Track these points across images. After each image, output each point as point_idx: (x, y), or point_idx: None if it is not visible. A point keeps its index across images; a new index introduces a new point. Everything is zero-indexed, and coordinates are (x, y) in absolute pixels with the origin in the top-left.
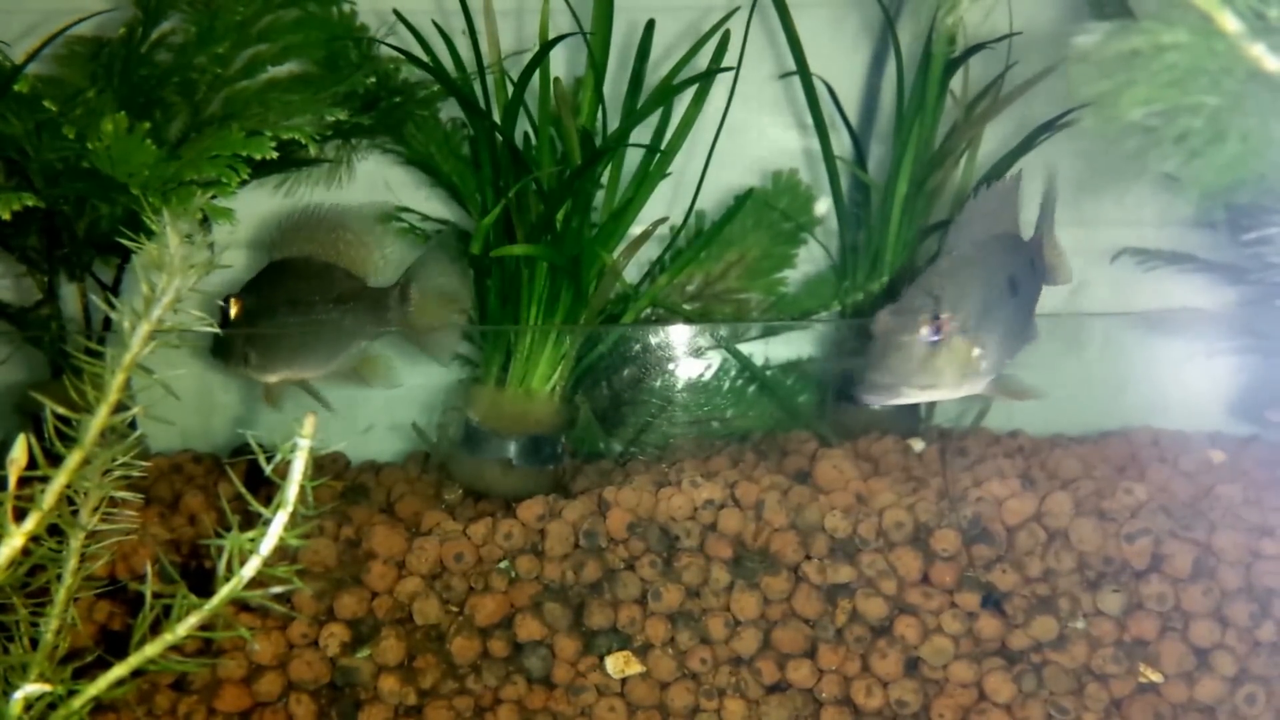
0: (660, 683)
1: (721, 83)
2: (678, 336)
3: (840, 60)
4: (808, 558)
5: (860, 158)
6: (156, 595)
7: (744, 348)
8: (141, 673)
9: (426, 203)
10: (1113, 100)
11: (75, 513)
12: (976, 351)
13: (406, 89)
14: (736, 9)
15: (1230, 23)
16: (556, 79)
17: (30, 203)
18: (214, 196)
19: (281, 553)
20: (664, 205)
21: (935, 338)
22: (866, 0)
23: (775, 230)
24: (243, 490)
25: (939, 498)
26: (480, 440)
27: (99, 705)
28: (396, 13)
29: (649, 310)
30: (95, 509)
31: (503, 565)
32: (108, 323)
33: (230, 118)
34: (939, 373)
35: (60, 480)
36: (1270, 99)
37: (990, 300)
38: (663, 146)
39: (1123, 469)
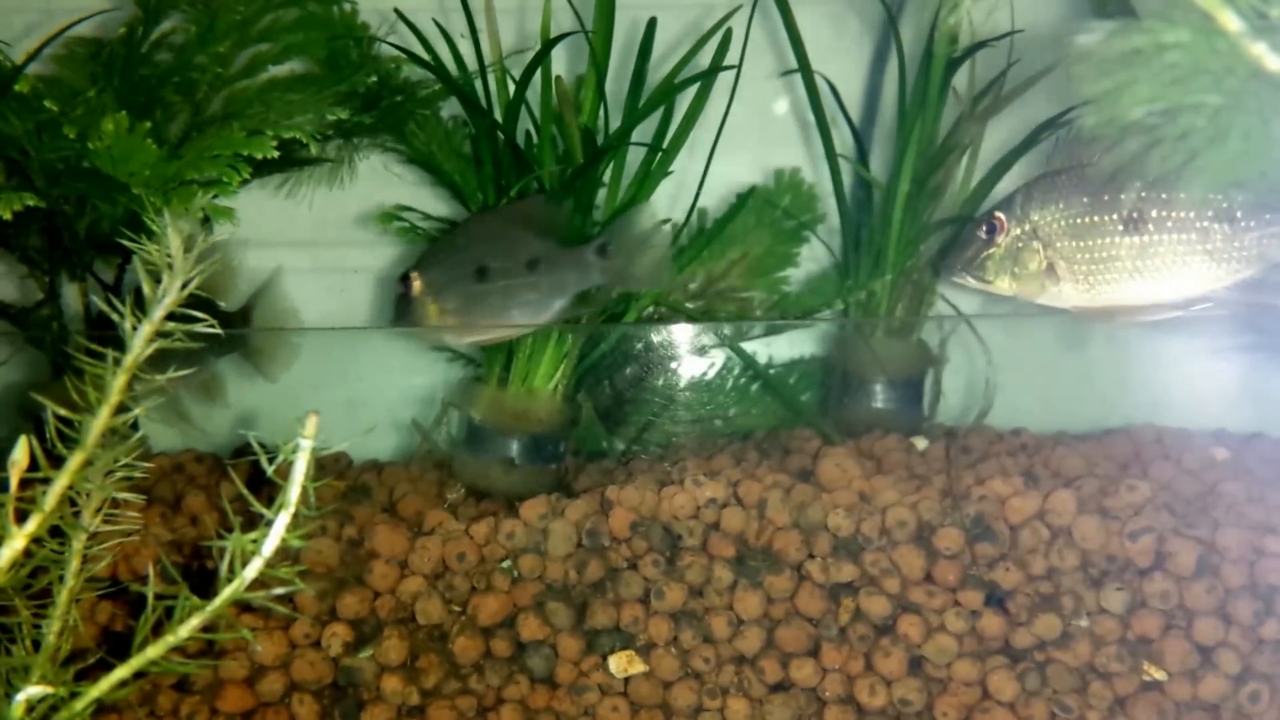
0: (663, 682)
1: (723, 81)
2: (680, 335)
3: (842, 58)
4: (811, 556)
5: (862, 155)
6: (158, 596)
7: (747, 346)
8: (144, 674)
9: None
10: (1114, 99)
11: (77, 514)
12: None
13: (408, 88)
14: (738, 7)
15: (1232, 22)
16: (558, 77)
17: (31, 203)
18: (215, 196)
19: (284, 553)
20: (666, 204)
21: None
22: None
23: (778, 228)
24: (245, 491)
25: (942, 496)
26: (483, 439)
27: (101, 706)
28: (397, 11)
29: (651, 308)
30: (97, 510)
31: (505, 565)
32: (105, 322)
33: (231, 117)
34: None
35: (62, 482)
36: (1272, 98)
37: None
38: (665, 145)
39: (1126, 466)
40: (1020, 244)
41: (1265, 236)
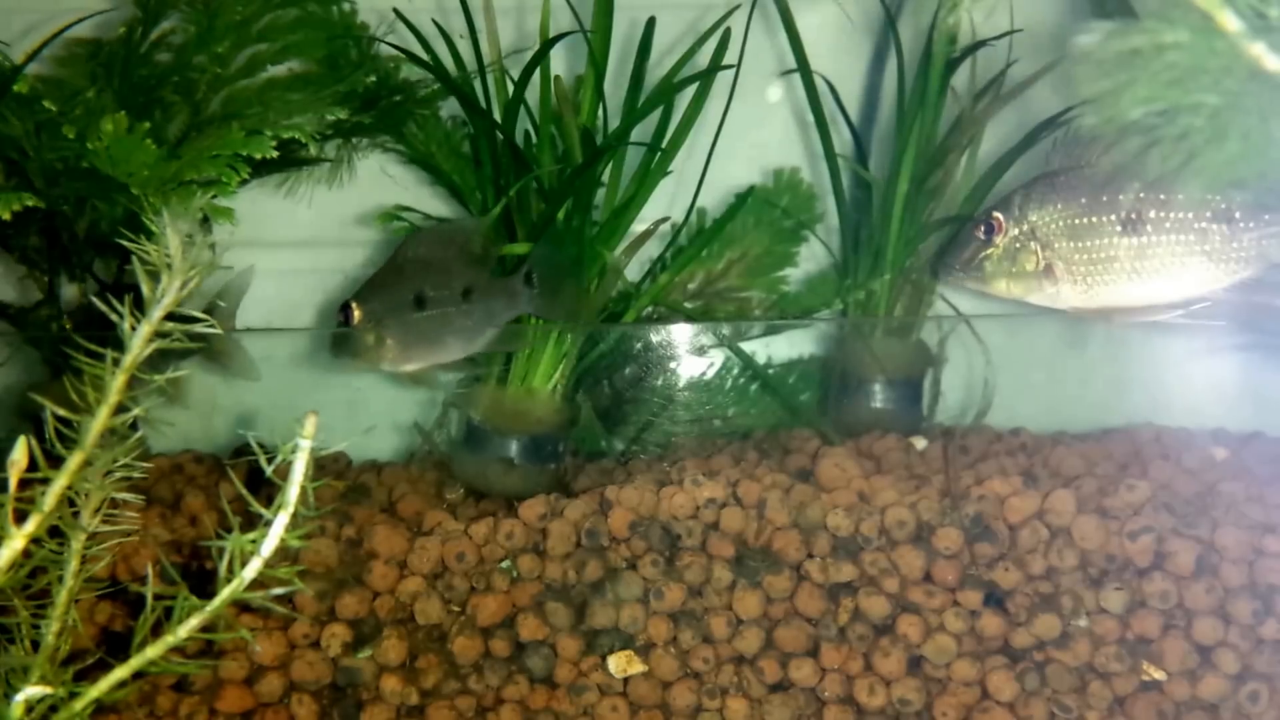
0: (662, 682)
1: (723, 80)
2: (679, 335)
3: (841, 58)
4: (810, 556)
5: (861, 155)
6: (158, 597)
7: (746, 346)
8: (143, 674)
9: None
10: (1114, 99)
11: (76, 514)
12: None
13: (407, 88)
14: (737, 7)
15: (1231, 22)
16: (557, 77)
17: (30, 203)
18: (214, 196)
19: (283, 553)
20: (665, 203)
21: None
22: None
23: (777, 228)
24: (244, 491)
25: (941, 496)
26: (482, 439)
27: (100, 707)
28: (396, 11)
29: (650, 309)
30: (96, 510)
31: (504, 565)
32: (101, 322)
33: (230, 117)
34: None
35: (61, 482)
36: (1270, 98)
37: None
38: (664, 144)
39: (1125, 466)
40: (1018, 245)
41: (1264, 237)
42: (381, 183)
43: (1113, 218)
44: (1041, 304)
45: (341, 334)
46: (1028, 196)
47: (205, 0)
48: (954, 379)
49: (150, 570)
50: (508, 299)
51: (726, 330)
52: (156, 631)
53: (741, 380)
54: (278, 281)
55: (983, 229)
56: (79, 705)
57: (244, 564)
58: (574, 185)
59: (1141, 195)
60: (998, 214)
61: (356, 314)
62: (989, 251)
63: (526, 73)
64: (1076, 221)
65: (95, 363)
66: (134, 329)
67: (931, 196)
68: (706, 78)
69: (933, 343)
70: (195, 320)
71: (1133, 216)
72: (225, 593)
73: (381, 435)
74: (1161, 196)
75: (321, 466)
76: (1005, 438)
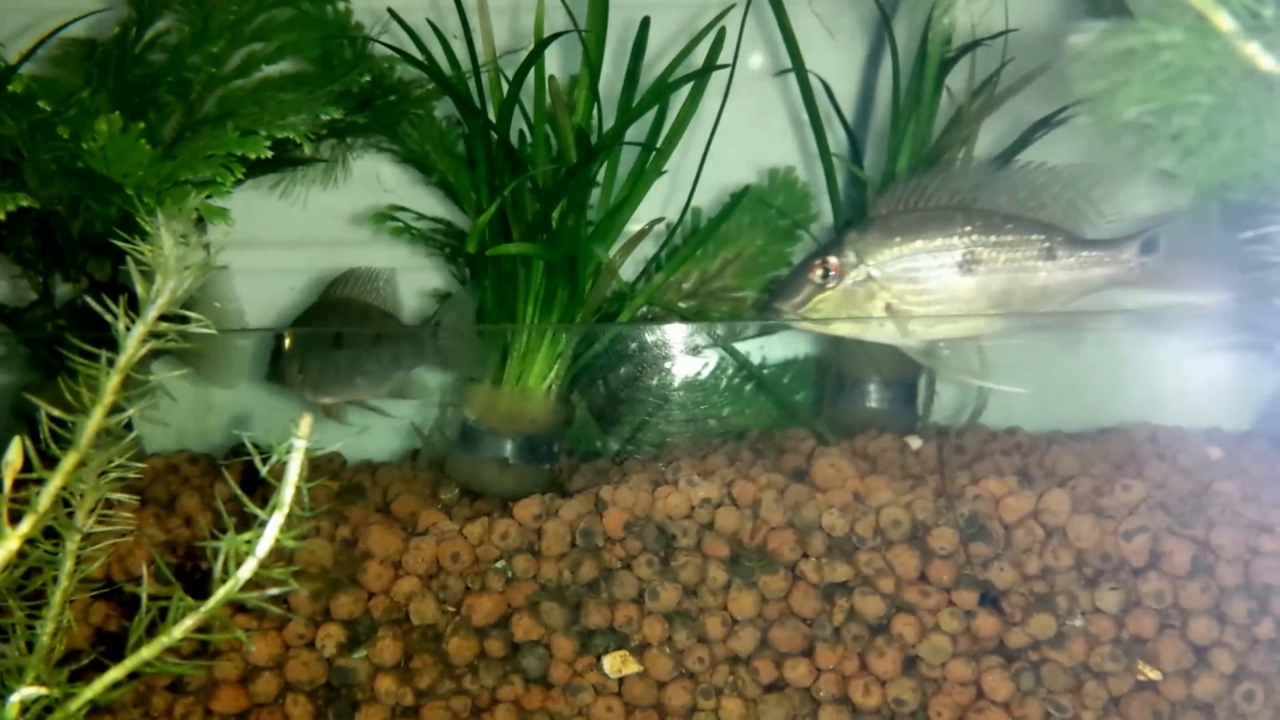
0: (657, 682)
1: (718, 80)
2: (674, 335)
3: (836, 57)
4: (805, 556)
5: (856, 154)
6: (153, 597)
7: (740, 346)
8: (138, 675)
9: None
10: (1108, 98)
11: (71, 515)
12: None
13: (401, 87)
14: (732, 6)
15: (1225, 22)
16: (551, 77)
17: (25, 203)
18: (209, 196)
19: (278, 554)
20: (660, 203)
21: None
22: None
23: (772, 227)
24: (238, 492)
25: (936, 496)
26: (477, 439)
27: (95, 707)
28: (391, 11)
29: (645, 308)
30: (91, 511)
31: (499, 565)
32: (93, 322)
33: (225, 117)
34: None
35: (55, 482)
36: (1265, 98)
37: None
38: (658, 144)
39: (1120, 466)
40: (858, 287)
41: (1081, 267)
42: (372, 183)
43: (949, 259)
44: (879, 340)
45: (274, 358)
46: (864, 239)
47: (200, 0)
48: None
49: (145, 571)
50: (413, 348)
51: (721, 330)
52: (151, 632)
53: (736, 380)
54: (274, 281)
55: (820, 272)
56: (74, 706)
57: (239, 564)
58: (569, 185)
59: (974, 236)
60: (834, 258)
61: (288, 342)
62: (826, 295)
63: (521, 72)
64: (916, 263)
65: (90, 363)
66: (128, 329)
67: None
68: (701, 77)
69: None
70: (188, 320)
71: (967, 257)
72: (220, 593)
73: (376, 436)
74: (992, 238)
75: (316, 467)
76: (1000, 437)
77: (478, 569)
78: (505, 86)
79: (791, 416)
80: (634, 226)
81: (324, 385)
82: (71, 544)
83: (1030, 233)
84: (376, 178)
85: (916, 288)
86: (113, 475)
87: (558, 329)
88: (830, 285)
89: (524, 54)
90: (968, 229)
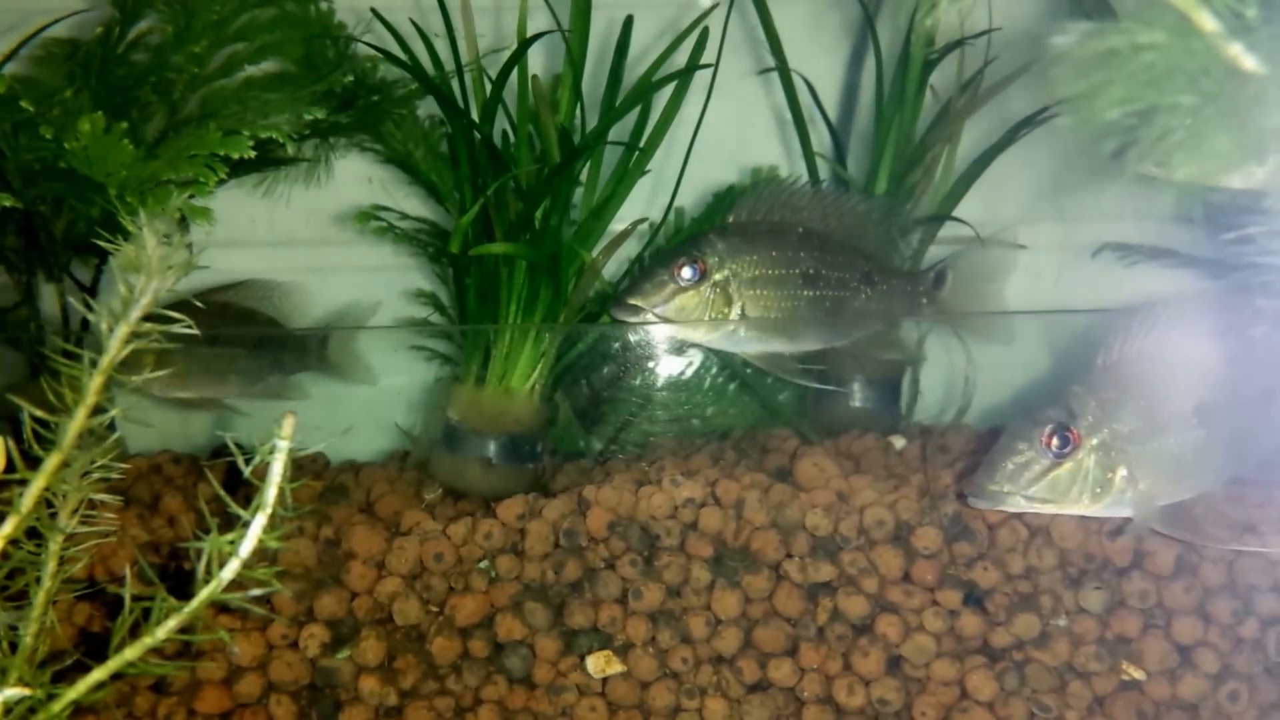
0: (641, 682)
1: (701, 79)
2: (657, 334)
3: (820, 57)
4: (789, 556)
5: (840, 154)
6: (136, 598)
7: None
8: (121, 675)
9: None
10: (1091, 100)
11: (54, 515)
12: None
13: (384, 87)
14: (715, 5)
15: (1208, 22)
16: (535, 76)
17: (8, 203)
18: (191, 196)
19: (261, 554)
20: (643, 202)
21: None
22: None
23: None
24: (221, 492)
25: (920, 495)
26: (460, 439)
27: (79, 708)
28: (374, 11)
29: None
30: (74, 511)
31: (483, 565)
32: (85, 323)
33: (208, 117)
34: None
35: (39, 483)
36: (1247, 98)
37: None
38: (641, 144)
39: None
40: (716, 290)
41: (889, 295)
42: (359, 183)
43: (795, 272)
44: (723, 347)
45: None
46: (724, 244)
47: (182, 0)
48: (933, 378)
49: (128, 571)
50: (298, 356)
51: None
52: (135, 633)
53: (720, 379)
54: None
55: (686, 271)
56: (57, 707)
57: (222, 565)
58: (552, 185)
59: (816, 255)
60: (701, 259)
61: None
62: (688, 293)
63: (504, 72)
64: (768, 273)
65: (73, 364)
66: (111, 330)
67: (910, 195)
68: (684, 77)
69: (911, 341)
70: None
71: (810, 272)
72: (203, 594)
73: (359, 436)
74: (828, 257)
75: (299, 467)
76: (984, 436)
77: (461, 569)
78: (488, 86)
79: (775, 416)
80: (617, 226)
81: (186, 380)
82: (55, 544)
83: (855, 258)
84: (369, 180)
85: (764, 294)
86: (96, 476)
87: (541, 329)
88: (689, 285)
89: (507, 53)
90: (812, 246)
